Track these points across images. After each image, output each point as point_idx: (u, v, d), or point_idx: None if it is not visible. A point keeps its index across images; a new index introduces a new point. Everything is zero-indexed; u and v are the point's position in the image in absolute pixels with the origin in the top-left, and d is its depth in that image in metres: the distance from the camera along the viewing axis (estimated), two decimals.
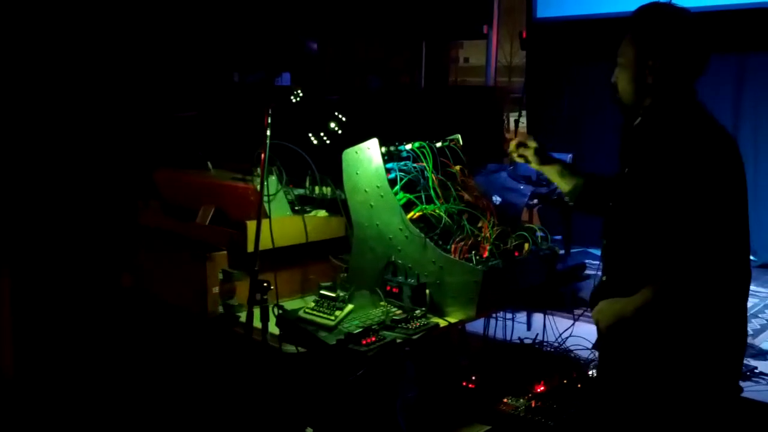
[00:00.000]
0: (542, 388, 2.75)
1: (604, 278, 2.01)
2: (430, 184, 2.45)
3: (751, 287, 5.07)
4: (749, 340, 3.56)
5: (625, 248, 1.91)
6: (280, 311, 2.20)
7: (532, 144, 2.34)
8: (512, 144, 2.37)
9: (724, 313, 1.85)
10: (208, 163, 2.93)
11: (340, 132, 2.73)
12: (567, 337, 3.08)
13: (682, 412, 1.86)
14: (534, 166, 2.36)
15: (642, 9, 1.94)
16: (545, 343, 3.15)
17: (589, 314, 2.00)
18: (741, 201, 1.85)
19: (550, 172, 2.35)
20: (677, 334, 1.83)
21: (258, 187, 2.33)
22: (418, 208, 2.39)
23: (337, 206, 2.60)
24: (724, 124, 1.96)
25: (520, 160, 2.38)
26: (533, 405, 2.65)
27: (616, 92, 1.98)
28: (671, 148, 1.80)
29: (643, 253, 1.85)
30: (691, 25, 1.89)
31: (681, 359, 1.84)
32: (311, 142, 2.73)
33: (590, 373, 2.82)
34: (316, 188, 2.75)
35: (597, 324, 1.97)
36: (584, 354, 3.02)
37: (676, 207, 1.76)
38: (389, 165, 2.40)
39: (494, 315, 3.18)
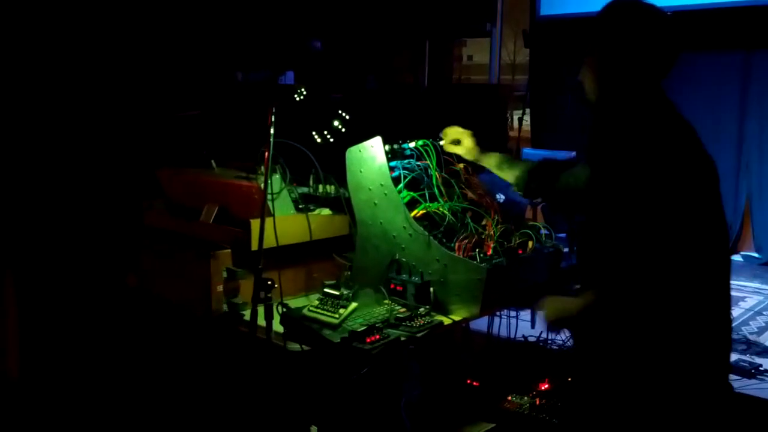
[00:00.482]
0: (546, 386, 2.75)
1: (578, 286, 1.96)
2: (434, 182, 2.44)
3: (757, 285, 5.03)
4: (754, 338, 3.56)
5: (593, 254, 1.86)
6: (285, 309, 2.21)
7: (467, 142, 2.40)
8: (445, 142, 2.43)
9: (690, 315, 1.75)
10: (212, 162, 2.93)
11: (343, 130, 2.73)
12: (571, 335, 3.07)
13: (665, 417, 1.78)
14: (469, 158, 2.42)
15: (607, 7, 1.88)
16: (549, 341, 3.15)
17: None
18: (697, 202, 1.75)
19: (489, 165, 2.40)
20: (648, 340, 1.75)
21: (262, 185, 2.34)
22: (422, 206, 2.39)
23: (341, 204, 2.60)
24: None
25: (451, 150, 2.44)
26: (537, 403, 2.65)
27: (582, 91, 1.94)
28: (616, 151, 1.75)
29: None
30: (655, 24, 1.82)
31: (655, 364, 1.75)
32: (315, 140, 2.72)
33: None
34: (320, 186, 2.75)
35: (541, 315, 1.95)
36: None
37: (615, 212, 1.71)
38: (393, 163, 2.40)
39: (498, 313, 3.18)
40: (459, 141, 2.44)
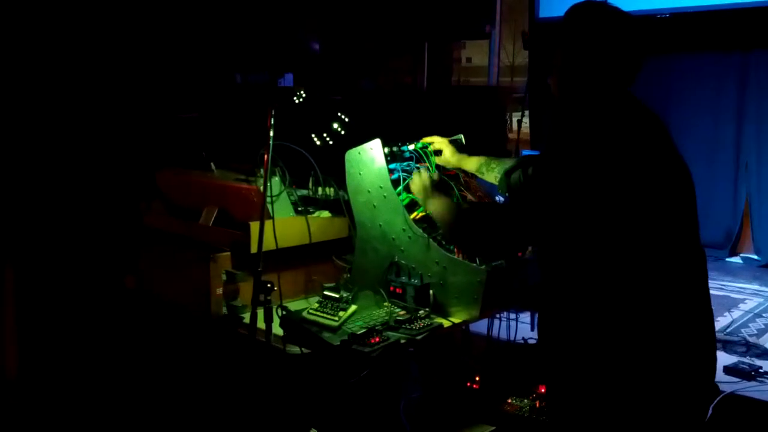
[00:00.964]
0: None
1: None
2: None
3: (756, 287, 5.00)
4: (754, 340, 3.55)
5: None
6: (284, 312, 2.20)
7: (446, 151, 2.46)
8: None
9: (649, 314, 1.70)
10: (212, 164, 2.93)
11: (343, 133, 2.73)
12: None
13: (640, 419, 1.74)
14: (450, 166, 2.49)
15: (569, 11, 1.87)
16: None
17: None
18: (648, 199, 1.72)
19: (470, 170, 2.45)
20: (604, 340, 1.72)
21: (261, 187, 2.33)
22: (421, 208, 2.39)
23: (340, 207, 2.60)
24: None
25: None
26: (537, 405, 2.65)
27: (551, 93, 1.94)
28: (564, 148, 1.76)
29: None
30: (615, 27, 1.79)
31: (620, 367, 1.71)
32: (314, 142, 2.72)
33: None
34: (319, 189, 2.75)
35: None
36: None
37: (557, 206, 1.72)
38: (392, 165, 2.40)
39: (498, 315, 3.17)
40: (440, 151, 2.47)
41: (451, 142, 2.50)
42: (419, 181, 2.30)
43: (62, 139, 3.84)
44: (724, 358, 3.24)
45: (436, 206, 2.20)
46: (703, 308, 1.81)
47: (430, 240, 2.27)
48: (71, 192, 3.77)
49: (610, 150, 1.71)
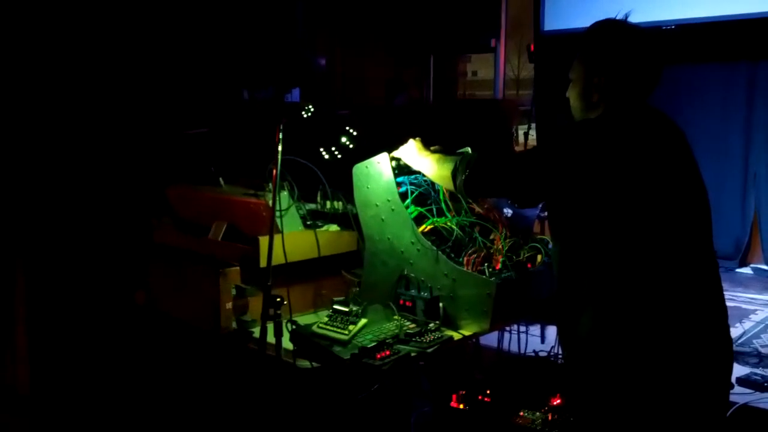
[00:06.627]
0: (558, 401, 2.73)
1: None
2: (441, 197, 2.45)
3: (767, 297, 4.93)
4: (766, 351, 3.52)
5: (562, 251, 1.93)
6: (294, 326, 2.20)
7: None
8: None
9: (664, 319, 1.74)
10: (220, 180, 2.95)
11: (351, 147, 2.74)
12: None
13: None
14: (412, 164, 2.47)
15: (591, 27, 1.94)
16: (560, 356, 3.13)
17: None
18: (651, 203, 1.77)
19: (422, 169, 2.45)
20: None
21: (270, 202, 2.34)
22: (430, 221, 2.40)
23: (349, 221, 2.61)
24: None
25: None
26: (550, 418, 2.63)
27: (569, 107, 2.02)
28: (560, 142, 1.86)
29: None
30: (636, 43, 1.88)
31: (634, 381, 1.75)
32: (322, 157, 2.74)
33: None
34: (328, 203, 2.76)
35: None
36: None
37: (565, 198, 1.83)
38: (400, 179, 2.41)
39: (508, 328, 3.17)
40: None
41: (458, 154, 2.49)
42: (410, 146, 2.32)
43: (73, 156, 3.87)
44: (736, 370, 3.22)
45: (431, 165, 2.23)
46: (717, 312, 1.84)
47: (439, 253, 2.27)
48: (81, 209, 3.79)
49: (623, 145, 1.77)
